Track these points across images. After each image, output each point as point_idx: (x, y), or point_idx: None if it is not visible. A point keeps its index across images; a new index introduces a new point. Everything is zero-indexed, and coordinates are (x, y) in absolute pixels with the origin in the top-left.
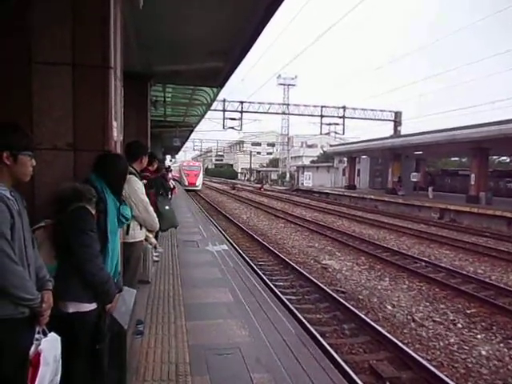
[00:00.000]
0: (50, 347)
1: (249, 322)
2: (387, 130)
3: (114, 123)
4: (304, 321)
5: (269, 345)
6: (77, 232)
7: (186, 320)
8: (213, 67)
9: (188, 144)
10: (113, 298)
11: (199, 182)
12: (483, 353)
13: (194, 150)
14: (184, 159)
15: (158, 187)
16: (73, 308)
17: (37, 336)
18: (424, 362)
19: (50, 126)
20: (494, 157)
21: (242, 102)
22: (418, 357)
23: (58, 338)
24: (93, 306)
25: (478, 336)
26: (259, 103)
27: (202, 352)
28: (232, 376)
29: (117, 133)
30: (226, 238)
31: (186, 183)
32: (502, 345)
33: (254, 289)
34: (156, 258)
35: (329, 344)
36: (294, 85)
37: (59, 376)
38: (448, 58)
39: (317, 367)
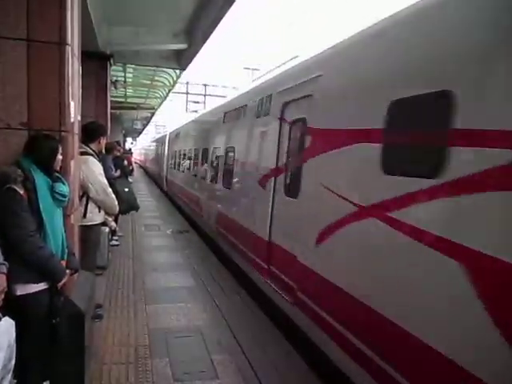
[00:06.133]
0: (3, 332)
1: (210, 306)
2: None
3: (72, 102)
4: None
5: (230, 328)
6: (6, 214)
7: (147, 304)
8: (175, 48)
9: (150, 128)
10: (61, 275)
11: None
12: None
13: (158, 133)
14: (152, 139)
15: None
16: (20, 290)
17: None
18: None
19: (2, 105)
20: None
21: (205, 85)
22: None
23: (13, 322)
24: (42, 285)
25: None
26: (223, 87)
27: (162, 335)
28: (192, 358)
29: (74, 112)
30: (188, 222)
31: None
32: None
33: (216, 273)
34: (116, 242)
35: None
36: (258, 69)
37: (13, 361)
38: None
39: (276, 349)
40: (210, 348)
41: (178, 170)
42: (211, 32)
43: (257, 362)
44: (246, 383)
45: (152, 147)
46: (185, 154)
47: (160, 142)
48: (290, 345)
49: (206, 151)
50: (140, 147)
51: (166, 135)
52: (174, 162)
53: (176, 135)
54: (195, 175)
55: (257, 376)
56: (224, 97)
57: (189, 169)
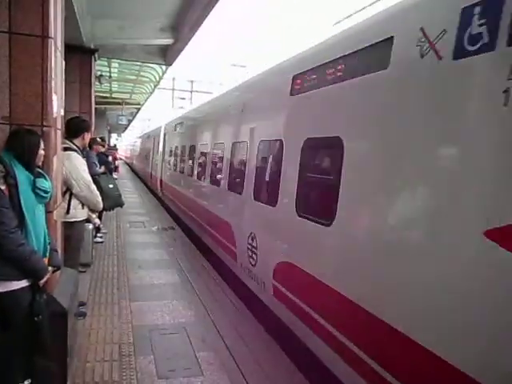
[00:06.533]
0: None
1: (195, 303)
2: None
3: (54, 96)
4: None
5: (215, 325)
6: None
7: (131, 301)
8: (161, 43)
9: (135, 123)
10: (43, 273)
11: None
12: None
13: (148, 127)
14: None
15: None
16: (2, 287)
17: None
18: None
19: None
20: None
21: (192, 81)
22: None
23: None
24: (23, 283)
25: None
26: (210, 83)
27: (147, 332)
28: (176, 355)
29: (57, 107)
30: (174, 219)
31: None
32: None
33: (201, 270)
34: (100, 239)
35: None
36: (244, 66)
37: None
38: None
39: (260, 345)
40: (195, 345)
41: (182, 172)
42: (198, 28)
43: (241, 358)
44: (230, 379)
45: (141, 142)
46: (194, 152)
47: (152, 136)
48: (274, 340)
49: (237, 148)
50: (126, 143)
51: (160, 128)
52: (174, 162)
53: (176, 127)
54: (212, 182)
55: (241, 372)
56: (210, 93)
57: (201, 174)
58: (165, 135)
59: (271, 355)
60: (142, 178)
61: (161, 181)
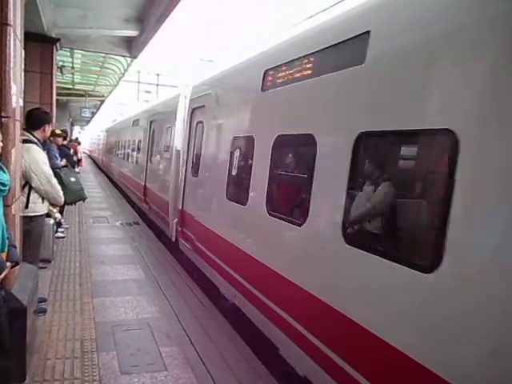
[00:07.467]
0: None
1: (159, 298)
2: None
3: (13, 86)
4: None
5: (179, 320)
6: None
7: (93, 297)
8: (126, 35)
9: (103, 117)
10: (1, 268)
11: None
12: None
13: (113, 121)
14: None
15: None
16: None
17: None
18: None
19: None
20: None
21: (158, 75)
22: None
23: None
24: None
25: None
26: (177, 78)
27: (110, 328)
28: (140, 350)
29: (16, 97)
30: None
31: None
32: None
33: (166, 265)
34: (61, 235)
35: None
36: (212, 60)
37: None
38: None
39: (225, 340)
40: (159, 340)
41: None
42: (164, 20)
43: (205, 353)
44: (194, 374)
45: (119, 133)
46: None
47: (146, 120)
48: (238, 334)
49: None
50: (94, 135)
51: (175, 99)
52: (255, 182)
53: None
54: None
55: (205, 366)
56: (176, 87)
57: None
58: (193, 113)
59: (235, 349)
60: (119, 185)
61: (182, 213)
